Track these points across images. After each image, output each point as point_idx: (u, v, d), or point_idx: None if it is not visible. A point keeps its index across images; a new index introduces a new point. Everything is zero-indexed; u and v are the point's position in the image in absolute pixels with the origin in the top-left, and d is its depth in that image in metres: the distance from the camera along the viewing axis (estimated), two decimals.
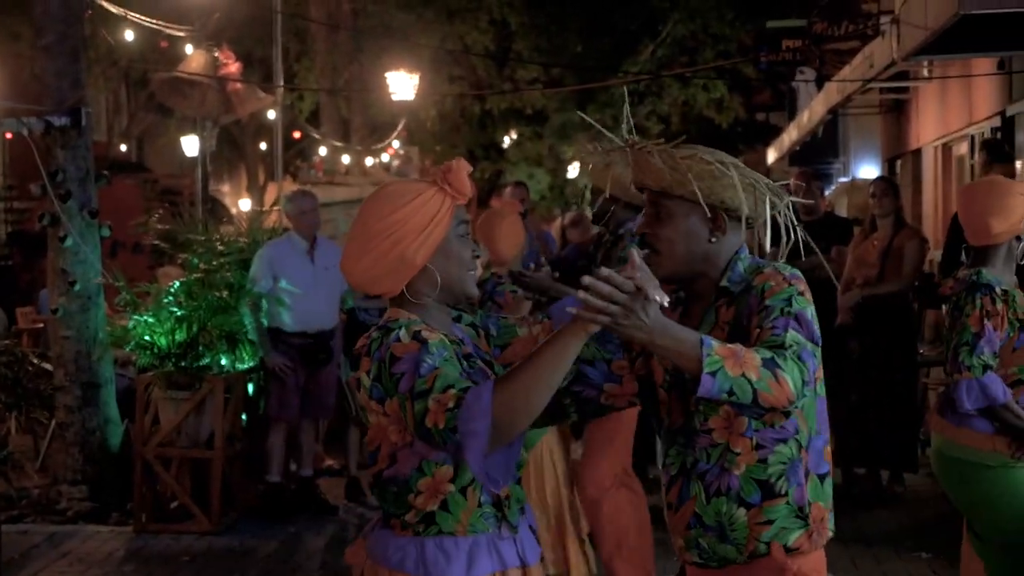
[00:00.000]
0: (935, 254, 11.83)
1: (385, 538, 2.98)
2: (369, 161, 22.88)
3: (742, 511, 2.99)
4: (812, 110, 18.39)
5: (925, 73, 14.43)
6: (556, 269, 7.88)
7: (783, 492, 2.97)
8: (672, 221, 3.07)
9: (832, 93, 15.84)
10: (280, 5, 13.63)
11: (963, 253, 4.85)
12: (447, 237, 2.95)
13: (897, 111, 17.65)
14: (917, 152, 16.29)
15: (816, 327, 2.92)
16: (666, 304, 2.75)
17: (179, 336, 8.01)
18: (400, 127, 24.60)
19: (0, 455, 7.25)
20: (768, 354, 2.78)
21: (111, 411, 8.78)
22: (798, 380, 2.78)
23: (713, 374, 2.71)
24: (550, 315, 3.12)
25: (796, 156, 22.75)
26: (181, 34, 12.97)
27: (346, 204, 12.54)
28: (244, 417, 8.45)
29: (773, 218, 3.05)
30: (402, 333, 2.85)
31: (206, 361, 8.06)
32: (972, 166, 12.57)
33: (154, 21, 12.35)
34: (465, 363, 2.89)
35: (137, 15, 11.88)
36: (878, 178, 10.32)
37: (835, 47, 16.65)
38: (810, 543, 3.01)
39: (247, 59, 18.68)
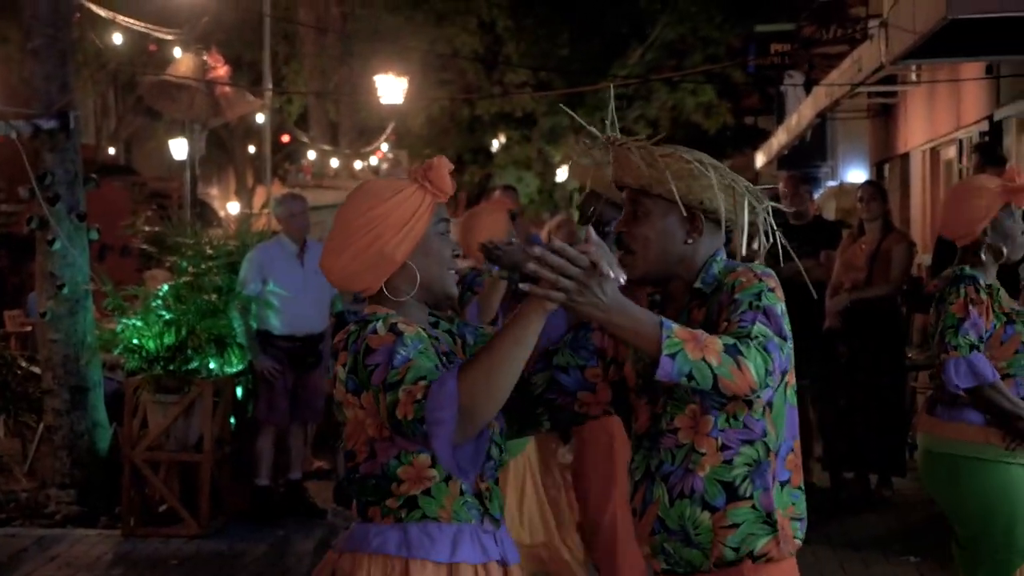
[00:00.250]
0: (923, 258, 11.86)
1: (363, 529, 2.93)
2: (358, 165, 22.92)
3: (706, 514, 2.91)
4: (800, 114, 18.38)
5: (913, 77, 14.44)
6: None
7: (747, 495, 2.90)
8: (649, 220, 3.01)
9: (820, 97, 15.84)
10: (269, 8, 13.65)
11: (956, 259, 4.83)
12: (427, 234, 2.94)
13: (885, 115, 17.67)
14: (905, 156, 16.31)
15: (786, 324, 2.86)
16: (623, 282, 2.71)
17: (167, 340, 7.99)
18: (389, 131, 24.64)
19: None
20: (731, 341, 2.72)
21: (99, 415, 8.75)
22: (761, 368, 2.72)
23: (672, 356, 2.65)
24: None
25: (784, 160, 22.74)
26: (169, 37, 12.96)
27: (334, 208, 12.46)
28: (233, 421, 8.44)
29: (753, 222, 3.01)
30: (379, 325, 2.84)
31: (195, 365, 8.04)
32: (961, 170, 12.58)
33: (142, 24, 12.34)
34: (444, 358, 2.88)
35: (126, 18, 11.88)
36: (866, 182, 10.35)
37: (823, 51, 16.72)
38: (779, 550, 2.92)
39: (236, 62, 18.67)
